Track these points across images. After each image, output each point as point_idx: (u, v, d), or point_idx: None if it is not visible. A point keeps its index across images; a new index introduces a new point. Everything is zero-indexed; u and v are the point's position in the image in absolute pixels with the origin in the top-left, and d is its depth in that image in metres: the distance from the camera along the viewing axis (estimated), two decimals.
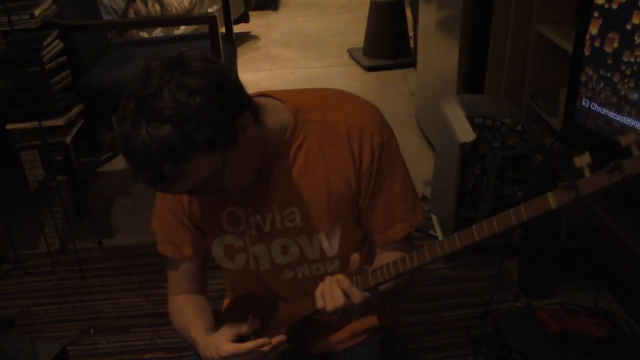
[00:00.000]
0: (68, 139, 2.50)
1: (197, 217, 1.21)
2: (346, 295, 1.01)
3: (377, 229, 1.19)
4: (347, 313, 1.03)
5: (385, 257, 1.16)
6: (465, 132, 2.20)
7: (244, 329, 1.12)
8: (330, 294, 1.02)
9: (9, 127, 2.43)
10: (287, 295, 1.22)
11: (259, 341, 1.07)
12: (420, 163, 2.91)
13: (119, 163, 3.24)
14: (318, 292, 1.05)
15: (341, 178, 1.14)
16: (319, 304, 1.04)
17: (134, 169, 0.96)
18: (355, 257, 1.04)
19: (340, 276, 1.03)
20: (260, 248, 1.20)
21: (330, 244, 1.18)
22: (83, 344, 2.06)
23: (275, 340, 1.08)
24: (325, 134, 1.13)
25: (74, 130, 2.55)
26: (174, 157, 0.92)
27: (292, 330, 1.15)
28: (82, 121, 2.61)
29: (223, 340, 1.10)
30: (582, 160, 0.85)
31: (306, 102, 1.15)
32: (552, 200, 0.88)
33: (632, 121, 1.60)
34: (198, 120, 0.92)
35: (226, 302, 1.38)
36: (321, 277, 1.18)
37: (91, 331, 2.11)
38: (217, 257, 1.25)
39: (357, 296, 1.01)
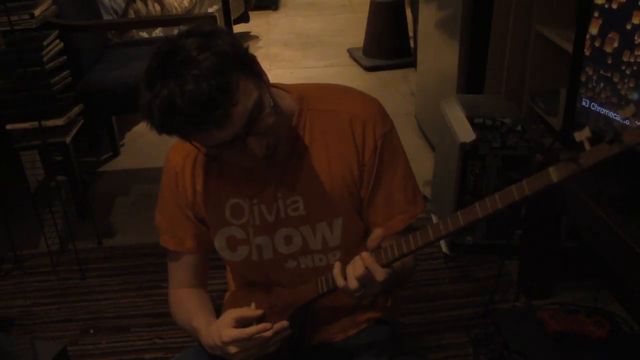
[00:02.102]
0: (68, 139, 2.50)
1: (200, 207, 1.22)
2: (367, 269, 1.02)
3: (378, 221, 1.20)
4: (368, 286, 1.03)
5: None
6: (465, 132, 2.20)
7: (245, 313, 1.13)
8: (352, 267, 1.03)
9: (9, 127, 2.44)
10: (290, 284, 1.22)
11: (261, 326, 1.08)
12: (420, 163, 2.91)
13: (119, 163, 3.24)
14: (336, 270, 1.06)
15: (344, 166, 1.16)
16: (339, 282, 1.05)
17: (183, 112, 0.94)
18: (378, 232, 1.04)
19: (364, 253, 1.04)
20: (263, 239, 1.21)
21: (333, 234, 1.19)
22: (83, 344, 2.06)
23: (277, 325, 1.08)
24: (328, 123, 1.16)
25: (74, 130, 2.55)
26: (221, 75, 0.94)
27: (295, 316, 1.16)
28: (82, 121, 2.61)
29: (225, 326, 1.10)
30: (583, 134, 0.86)
31: (311, 93, 1.18)
32: (554, 174, 0.88)
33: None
34: (224, 47, 0.96)
35: (228, 295, 1.39)
36: (324, 268, 1.20)
37: (91, 331, 2.11)
38: (219, 248, 1.25)
39: (380, 272, 1.02)
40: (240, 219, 1.20)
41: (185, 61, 0.94)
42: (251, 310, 1.14)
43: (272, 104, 1.03)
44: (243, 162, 1.09)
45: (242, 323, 1.11)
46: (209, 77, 0.93)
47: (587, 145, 0.86)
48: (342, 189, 1.17)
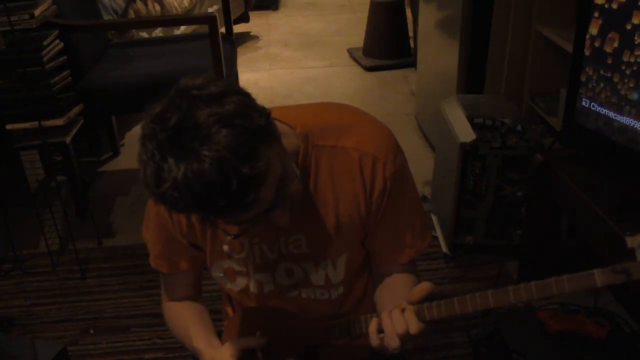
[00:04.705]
0: (68, 139, 2.50)
1: (196, 237, 1.17)
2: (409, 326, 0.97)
3: (383, 254, 1.17)
4: (407, 342, 0.98)
5: (391, 280, 1.16)
6: (465, 132, 2.20)
7: (250, 344, 1.10)
8: (391, 322, 0.97)
9: (9, 127, 2.43)
10: (291, 310, 1.19)
11: None
12: (420, 163, 2.91)
13: (119, 163, 3.24)
14: (372, 329, 1.00)
15: (351, 205, 1.10)
16: (374, 342, 0.98)
17: (206, 201, 0.82)
18: (425, 286, 0.98)
19: (407, 309, 0.98)
20: (264, 275, 1.17)
21: (336, 271, 1.16)
22: (83, 344, 2.06)
23: None
24: (336, 160, 1.08)
25: (74, 130, 2.55)
26: (247, 152, 0.82)
27: (306, 355, 1.12)
28: (82, 121, 2.61)
29: (228, 358, 1.08)
30: (636, 241, 0.82)
31: (315, 125, 1.09)
32: (599, 278, 0.84)
33: (632, 121, 1.60)
34: (240, 113, 0.84)
35: (227, 323, 1.34)
36: (326, 302, 1.17)
37: (91, 331, 2.11)
38: (216, 277, 1.21)
39: (422, 328, 0.97)
40: (239, 253, 1.15)
41: (203, 140, 0.80)
42: (255, 340, 1.11)
43: (298, 173, 0.95)
44: (263, 228, 1.04)
45: (247, 354, 1.09)
46: (233, 160, 0.81)
47: (639, 255, 0.82)
48: (348, 228, 1.11)
